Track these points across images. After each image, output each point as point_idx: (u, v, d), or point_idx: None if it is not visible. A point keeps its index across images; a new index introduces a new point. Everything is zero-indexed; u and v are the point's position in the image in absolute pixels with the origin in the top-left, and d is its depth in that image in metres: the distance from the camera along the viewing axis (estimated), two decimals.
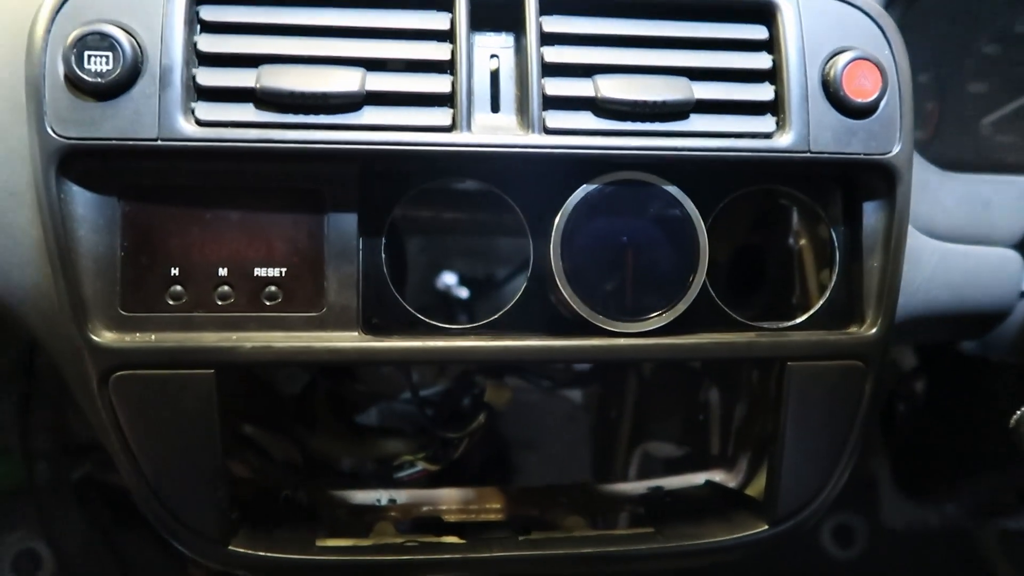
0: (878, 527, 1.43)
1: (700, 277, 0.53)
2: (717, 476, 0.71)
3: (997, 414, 0.66)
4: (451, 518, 0.64)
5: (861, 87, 0.53)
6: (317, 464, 0.81)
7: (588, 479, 0.82)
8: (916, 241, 0.65)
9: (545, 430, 0.99)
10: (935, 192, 0.70)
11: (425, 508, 0.65)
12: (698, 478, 0.69)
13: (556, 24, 0.53)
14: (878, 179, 0.55)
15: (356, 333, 0.51)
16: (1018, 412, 0.48)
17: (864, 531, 1.44)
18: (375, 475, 0.78)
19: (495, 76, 0.53)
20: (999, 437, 0.79)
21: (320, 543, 0.56)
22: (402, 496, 0.68)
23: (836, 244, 0.57)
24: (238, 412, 0.72)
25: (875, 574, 1.41)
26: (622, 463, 0.94)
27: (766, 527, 0.57)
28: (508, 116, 0.53)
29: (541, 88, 0.52)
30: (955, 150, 0.85)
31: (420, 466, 0.76)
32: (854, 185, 0.57)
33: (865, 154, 0.54)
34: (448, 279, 0.72)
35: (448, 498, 0.67)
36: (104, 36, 0.47)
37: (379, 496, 0.67)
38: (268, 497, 0.62)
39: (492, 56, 0.54)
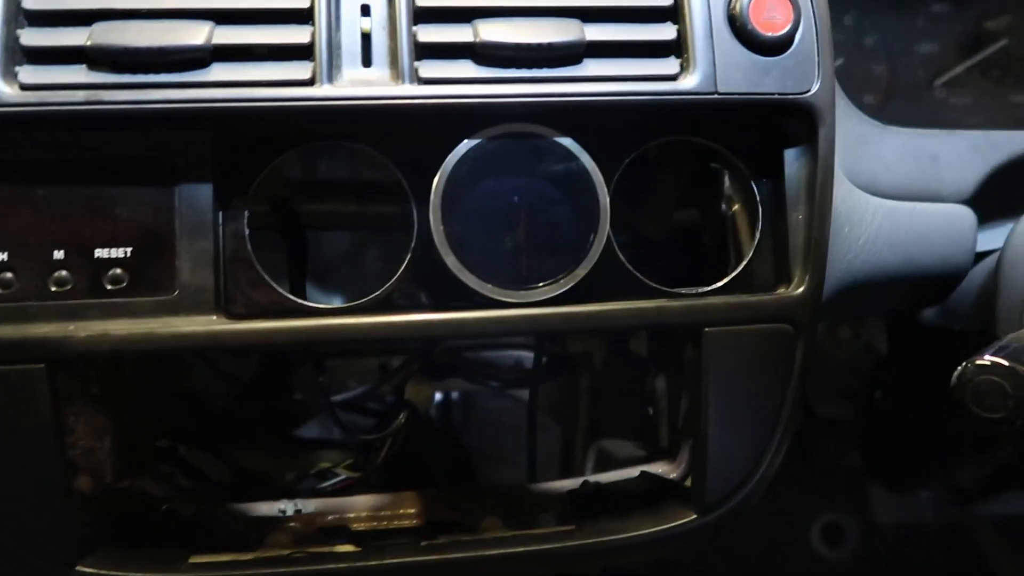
0: (869, 525, 1.38)
1: (602, 238, 0.47)
2: (659, 468, 0.65)
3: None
4: (359, 526, 0.58)
5: (771, 20, 0.48)
6: (246, 480, 0.75)
7: (521, 480, 0.76)
8: (856, 198, 0.60)
9: (488, 432, 0.94)
10: (876, 147, 0.65)
11: (331, 517, 0.59)
12: (634, 471, 0.63)
13: None
14: (797, 121, 0.50)
15: (213, 317, 0.46)
16: (958, 369, 0.42)
17: (855, 530, 1.40)
18: (295, 487, 0.72)
19: (366, 31, 0.48)
20: (968, 422, 0.74)
21: (194, 559, 0.49)
22: (310, 506, 0.61)
23: (758, 198, 0.52)
24: (157, 426, 0.67)
25: (867, 574, 1.37)
26: (579, 463, 0.88)
27: (694, 516, 0.51)
28: (381, 70, 0.47)
29: (413, 35, 0.46)
30: (908, 114, 0.81)
31: (343, 475, 0.71)
32: (773, 131, 0.51)
33: (780, 93, 0.49)
34: (326, 254, 0.66)
35: (359, 505, 0.61)
36: None
37: (284, 507, 0.61)
38: (147, 512, 0.56)
39: (363, 7, 0.49)
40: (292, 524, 0.57)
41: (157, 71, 0.44)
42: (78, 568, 0.46)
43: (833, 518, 1.41)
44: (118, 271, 0.45)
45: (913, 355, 0.92)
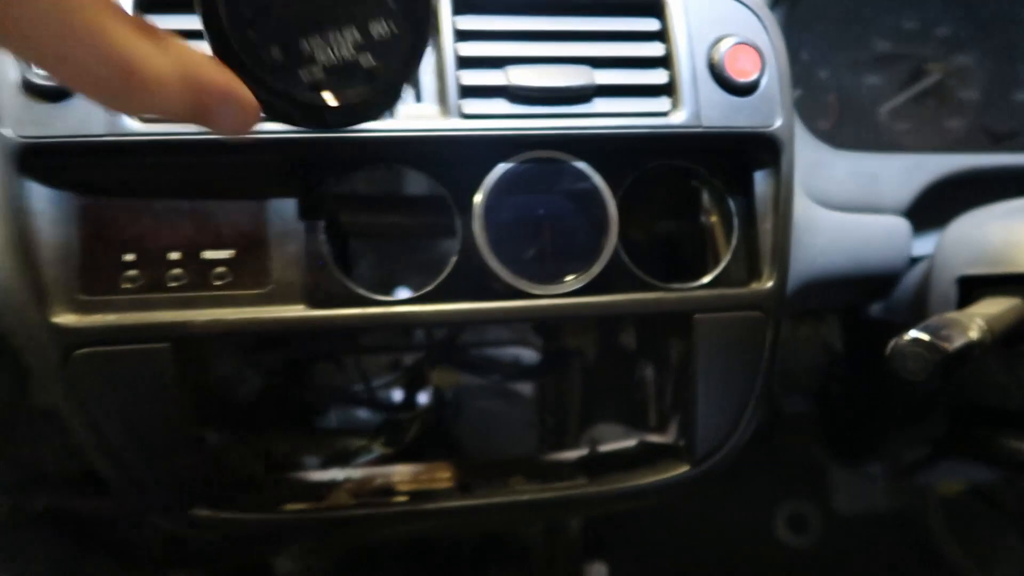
0: (830, 514, 1.48)
1: (611, 242, 0.59)
2: (652, 439, 0.76)
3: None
4: (402, 487, 0.68)
5: (743, 68, 0.61)
6: (278, 468, 0.84)
7: (533, 453, 0.87)
8: (813, 211, 0.73)
9: (494, 421, 1.04)
10: (828, 168, 0.78)
11: (378, 481, 0.69)
12: (631, 441, 0.74)
13: (469, 23, 0.59)
14: (764, 150, 0.62)
15: (300, 306, 0.56)
16: (891, 343, 0.54)
17: (817, 518, 1.50)
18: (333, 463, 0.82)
19: (416, 75, 0.59)
20: (905, 396, 0.87)
21: (284, 507, 0.60)
22: (356, 474, 0.72)
23: (734, 211, 0.64)
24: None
25: (829, 559, 1.47)
26: (572, 446, 0.98)
27: (688, 468, 0.63)
28: (430, 105, 0.58)
29: (457, 79, 0.58)
30: (856, 138, 0.94)
31: (376, 451, 0.81)
32: (744, 157, 0.63)
33: (750, 127, 0.61)
34: (387, 257, 0.77)
35: (400, 472, 0.71)
36: None
37: (334, 476, 0.71)
38: (229, 475, 0.66)
39: None
40: (348, 486, 0.68)
41: None
42: (192, 511, 0.56)
43: (797, 507, 1.51)
44: (223, 269, 0.56)
45: (862, 348, 1.05)
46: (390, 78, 0.37)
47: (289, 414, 0.94)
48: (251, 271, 0.56)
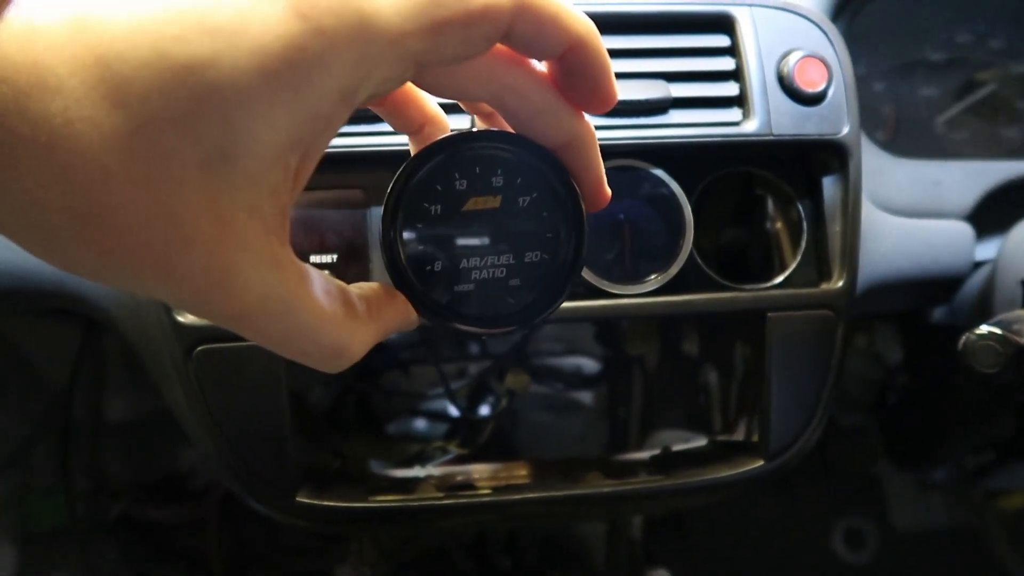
0: (888, 529, 1.48)
1: (687, 244, 0.62)
2: (720, 439, 0.78)
3: (966, 375, 0.74)
4: (484, 483, 0.71)
5: (811, 79, 0.64)
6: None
7: (604, 453, 0.90)
8: (877, 217, 0.75)
9: (559, 428, 1.07)
10: (890, 175, 0.80)
11: (460, 477, 0.73)
12: (702, 440, 0.77)
13: None
14: (832, 156, 0.65)
15: None
16: (962, 337, 0.57)
17: (874, 534, 1.49)
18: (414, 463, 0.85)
19: None
20: (972, 397, 0.88)
21: (374, 498, 0.63)
22: (437, 471, 0.75)
23: (803, 215, 0.67)
24: None
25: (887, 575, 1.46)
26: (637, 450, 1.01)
27: (762, 463, 0.65)
28: None
29: None
30: (913, 148, 0.96)
31: (453, 452, 0.84)
32: (813, 164, 0.66)
33: (819, 135, 0.64)
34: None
35: (479, 469, 0.74)
36: None
37: (417, 473, 0.75)
38: (322, 467, 0.70)
39: None
40: (432, 481, 0.71)
41: (358, 123, 0.60)
42: (297, 499, 0.60)
43: (854, 523, 1.51)
44: (327, 272, 0.60)
45: (924, 354, 1.06)
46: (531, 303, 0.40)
47: (362, 421, 0.99)
48: (352, 274, 0.60)
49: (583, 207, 0.39)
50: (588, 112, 0.38)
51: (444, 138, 0.38)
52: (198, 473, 1.36)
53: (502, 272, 0.39)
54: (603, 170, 0.40)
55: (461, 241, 0.39)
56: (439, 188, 0.38)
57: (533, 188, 0.39)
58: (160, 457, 1.37)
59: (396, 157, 0.60)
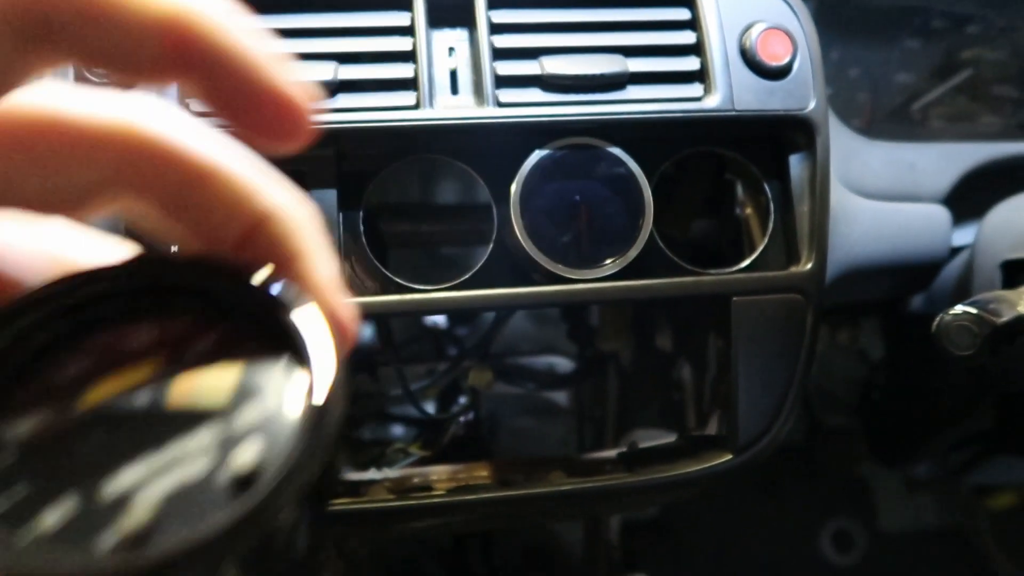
0: (876, 531, 1.46)
1: (647, 226, 0.59)
2: (693, 434, 0.75)
3: (945, 364, 0.71)
4: (441, 485, 0.68)
5: (775, 52, 0.61)
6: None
7: (571, 452, 0.86)
8: (849, 200, 0.72)
9: (529, 428, 1.03)
10: (864, 158, 0.77)
11: (416, 479, 0.69)
12: (671, 436, 0.74)
13: (503, 16, 0.60)
14: (799, 133, 0.62)
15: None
16: (936, 318, 0.54)
17: (863, 535, 1.47)
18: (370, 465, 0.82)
19: (453, 68, 0.60)
20: (952, 386, 0.85)
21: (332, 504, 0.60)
22: (394, 473, 0.72)
23: (770, 196, 0.63)
24: None
25: None
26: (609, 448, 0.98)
27: (730, 456, 0.61)
28: (466, 96, 0.60)
29: (493, 70, 0.59)
30: (890, 134, 0.93)
31: (414, 454, 0.81)
32: (779, 142, 0.63)
33: (784, 110, 0.61)
34: (426, 246, 0.78)
35: (438, 471, 0.71)
36: None
37: (373, 475, 0.71)
38: None
39: (450, 49, 0.61)
40: (386, 484, 0.67)
41: None
42: None
43: (841, 524, 1.49)
44: None
45: (904, 345, 1.03)
46: None
47: None
48: None
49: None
50: (267, 137, 0.23)
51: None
52: None
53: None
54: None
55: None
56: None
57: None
58: None
59: (337, 135, 0.57)
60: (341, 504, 0.60)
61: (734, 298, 0.60)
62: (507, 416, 1.06)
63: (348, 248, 0.58)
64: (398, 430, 0.97)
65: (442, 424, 0.80)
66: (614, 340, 0.94)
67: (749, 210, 0.67)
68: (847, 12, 0.93)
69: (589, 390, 1.05)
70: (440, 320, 0.97)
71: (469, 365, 0.82)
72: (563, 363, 1.04)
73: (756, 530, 1.45)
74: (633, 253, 0.59)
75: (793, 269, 0.62)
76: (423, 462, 0.79)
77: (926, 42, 0.99)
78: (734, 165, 0.65)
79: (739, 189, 0.69)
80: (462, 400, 0.87)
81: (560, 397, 1.06)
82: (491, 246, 0.59)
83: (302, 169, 0.57)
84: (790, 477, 1.45)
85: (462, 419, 0.83)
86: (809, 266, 0.61)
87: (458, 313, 0.75)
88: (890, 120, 0.95)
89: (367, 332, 1.00)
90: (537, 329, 1.09)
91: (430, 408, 0.90)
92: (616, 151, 0.59)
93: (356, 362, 0.93)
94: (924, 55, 0.98)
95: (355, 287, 0.58)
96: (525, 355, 1.03)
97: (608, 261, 0.59)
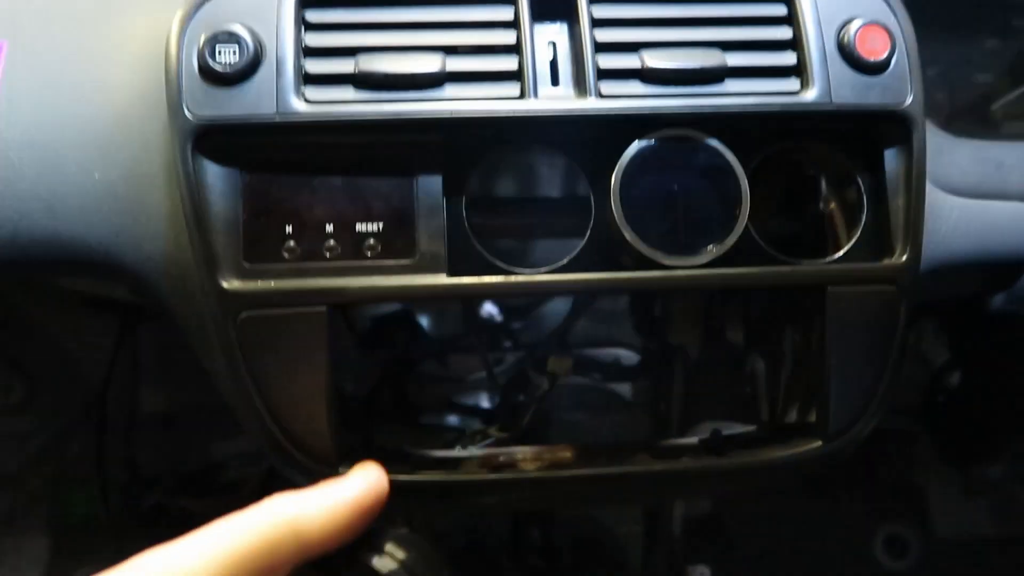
0: (931, 537, 1.44)
1: (744, 216, 0.60)
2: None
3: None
4: (527, 464, 0.70)
5: (873, 48, 0.62)
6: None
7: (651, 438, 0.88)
8: (937, 196, 0.72)
9: (599, 417, 1.05)
10: (950, 155, 0.77)
11: (502, 458, 0.71)
12: (751, 426, 0.74)
13: (604, 11, 0.62)
14: (895, 127, 0.63)
15: (443, 275, 0.59)
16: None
17: (917, 541, 1.46)
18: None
19: (554, 58, 0.62)
20: None
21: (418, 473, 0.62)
22: (479, 452, 0.74)
23: (863, 189, 0.64)
24: None
25: None
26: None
27: (820, 443, 0.62)
28: (567, 88, 0.61)
29: (595, 62, 0.60)
30: (969, 135, 0.93)
31: (493, 436, 0.82)
32: (876, 136, 0.64)
33: (882, 105, 0.62)
34: (523, 233, 0.80)
35: (522, 451, 0.72)
36: (231, 34, 0.57)
37: (460, 454, 0.73)
38: (363, 440, 0.69)
39: (550, 43, 0.63)
40: (475, 461, 0.70)
41: (407, 89, 0.59)
42: (340, 469, 0.59)
43: (895, 530, 1.47)
44: (372, 241, 0.59)
45: (977, 350, 1.03)
46: None
47: (398, 412, 0.97)
48: (399, 243, 0.59)
49: None
50: None
51: None
52: (232, 465, 1.36)
53: None
54: None
55: None
56: None
57: None
58: (194, 449, 1.38)
59: (445, 124, 0.59)
60: (436, 476, 0.62)
61: (829, 288, 0.61)
62: (573, 411, 1.08)
63: (453, 230, 0.60)
64: (468, 418, 0.99)
65: (520, 409, 0.82)
66: (685, 333, 0.95)
67: (834, 205, 0.68)
68: (929, 10, 0.93)
69: (656, 383, 1.06)
70: (495, 312, 1.00)
71: (544, 353, 0.84)
72: (629, 356, 1.06)
73: (809, 532, 1.45)
74: (730, 241, 0.60)
75: (887, 261, 0.63)
76: (501, 444, 0.81)
77: (1005, 41, 0.98)
78: (819, 160, 0.66)
79: (823, 185, 0.69)
80: (530, 388, 0.88)
81: (625, 390, 1.08)
82: (589, 232, 0.61)
83: (411, 155, 0.60)
84: (844, 480, 1.44)
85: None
86: (904, 258, 0.62)
87: (555, 295, 0.78)
88: (968, 120, 0.95)
89: (428, 322, 1.03)
90: (602, 320, 1.10)
91: (495, 396, 0.92)
92: (713, 142, 0.61)
93: (428, 350, 0.96)
94: (1003, 54, 0.98)
95: (460, 266, 0.60)
96: (592, 347, 1.04)
97: (707, 248, 0.60)
